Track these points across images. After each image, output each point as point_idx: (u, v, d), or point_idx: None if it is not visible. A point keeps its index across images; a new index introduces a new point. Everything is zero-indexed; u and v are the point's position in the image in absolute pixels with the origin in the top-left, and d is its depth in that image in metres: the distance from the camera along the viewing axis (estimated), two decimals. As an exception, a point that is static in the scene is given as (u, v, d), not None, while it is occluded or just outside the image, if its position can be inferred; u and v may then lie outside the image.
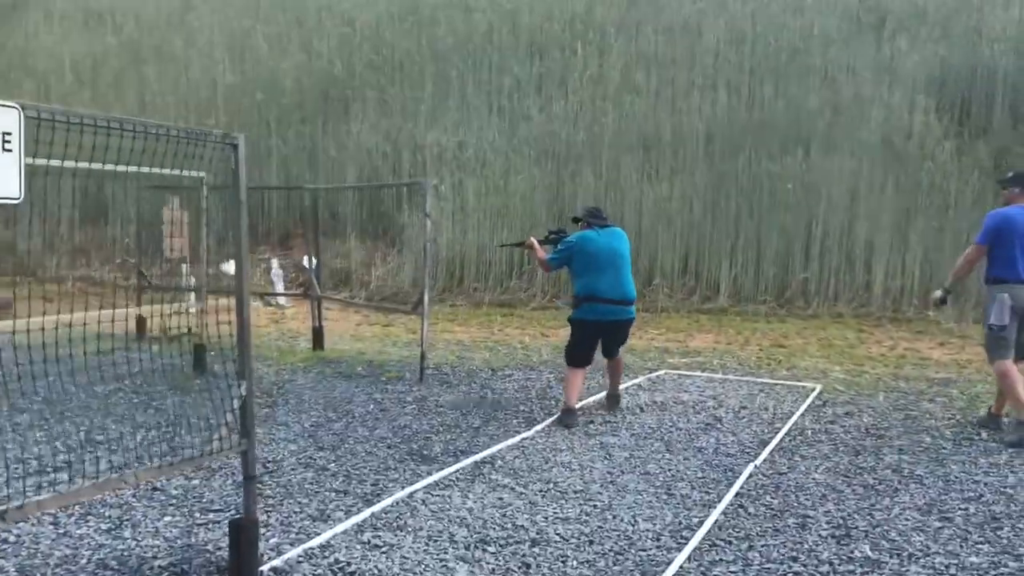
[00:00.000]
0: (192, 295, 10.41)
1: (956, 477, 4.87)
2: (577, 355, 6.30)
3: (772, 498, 4.45)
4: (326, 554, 3.58)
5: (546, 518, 4.08)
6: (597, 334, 6.30)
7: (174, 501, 4.25)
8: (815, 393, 7.16)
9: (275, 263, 13.17)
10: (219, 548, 3.59)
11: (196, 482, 4.55)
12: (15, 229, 16.14)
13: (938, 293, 6.43)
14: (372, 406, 6.49)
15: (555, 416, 6.20)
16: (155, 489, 4.40)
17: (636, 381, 7.59)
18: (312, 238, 9.50)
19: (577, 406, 6.30)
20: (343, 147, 15.57)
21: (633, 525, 4.01)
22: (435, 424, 5.99)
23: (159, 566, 3.43)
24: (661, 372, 8.06)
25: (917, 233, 11.66)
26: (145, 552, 3.59)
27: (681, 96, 14.84)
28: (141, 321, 9.53)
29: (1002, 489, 4.66)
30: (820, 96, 13.93)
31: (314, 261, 9.11)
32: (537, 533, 3.87)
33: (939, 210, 11.95)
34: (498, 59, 16.79)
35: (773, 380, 7.72)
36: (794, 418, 6.27)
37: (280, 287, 12.56)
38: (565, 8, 17.86)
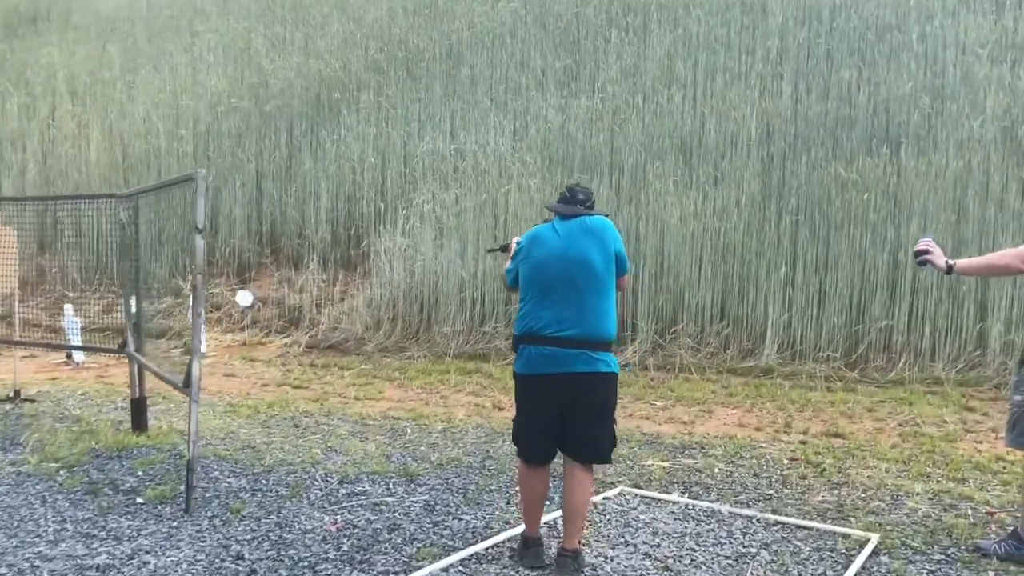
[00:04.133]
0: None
1: None
2: (521, 439, 3.94)
3: None
4: None
5: None
6: (546, 401, 3.81)
7: None
8: (865, 554, 3.93)
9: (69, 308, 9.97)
10: None
11: None
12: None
13: (943, 262, 4.01)
14: None
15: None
16: None
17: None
18: (131, 269, 6.57)
19: (542, 529, 3.98)
20: (322, 158, 12.93)
21: None
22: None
23: None
24: (616, 490, 4.93)
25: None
26: None
27: (732, 87, 11.62)
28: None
29: None
30: (916, 81, 10.50)
31: (132, 304, 6.31)
32: None
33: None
34: (519, 54, 13.94)
35: (798, 518, 4.49)
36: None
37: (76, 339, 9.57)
38: (604, -10, 14.89)
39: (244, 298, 10.41)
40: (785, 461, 5.61)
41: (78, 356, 9.47)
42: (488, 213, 10.76)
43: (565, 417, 3.78)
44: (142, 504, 4.55)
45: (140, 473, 5.10)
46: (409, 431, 6.34)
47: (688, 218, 9.56)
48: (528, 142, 11.78)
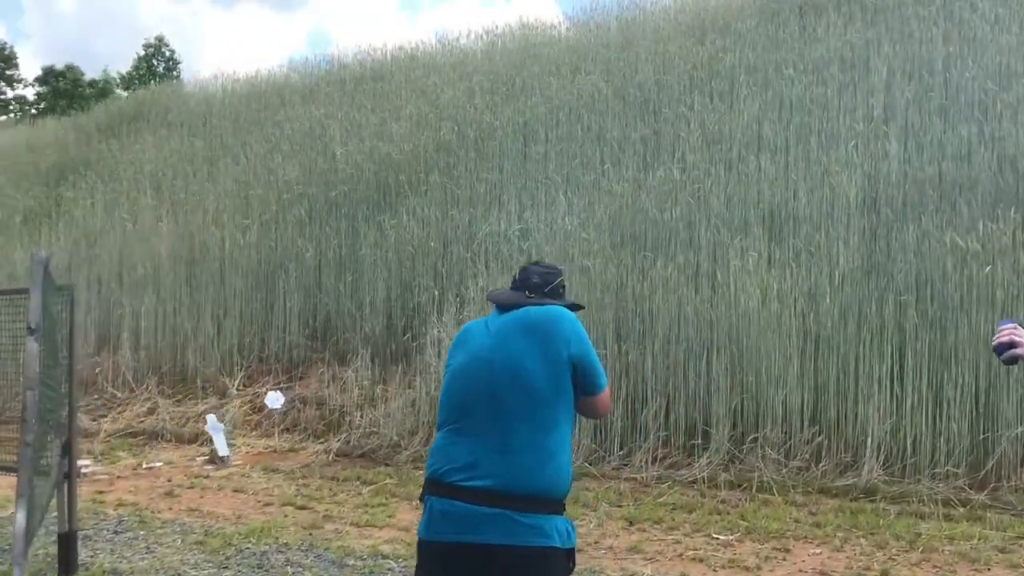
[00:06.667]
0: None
1: None
2: None
3: None
4: None
5: None
6: None
7: None
8: None
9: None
10: None
11: None
12: None
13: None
14: None
15: None
16: None
17: None
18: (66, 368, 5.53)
19: None
20: (381, 243, 12.07)
21: None
22: None
23: None
24: None
25: None
26: None
27: (829, 151, 10.15)
28: None
29: None
30: (1051, 132, 8.80)
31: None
32: None
33: None
34: (596, 127, 12.89)
35: None
36: None
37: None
38: (688, 56, 13.76)
39: (274, 400, 9.49)
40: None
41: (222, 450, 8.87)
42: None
43: None
44: None
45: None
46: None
47: (772, 300, 8.06)
48: (596, 219, 10.56)
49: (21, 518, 3.21)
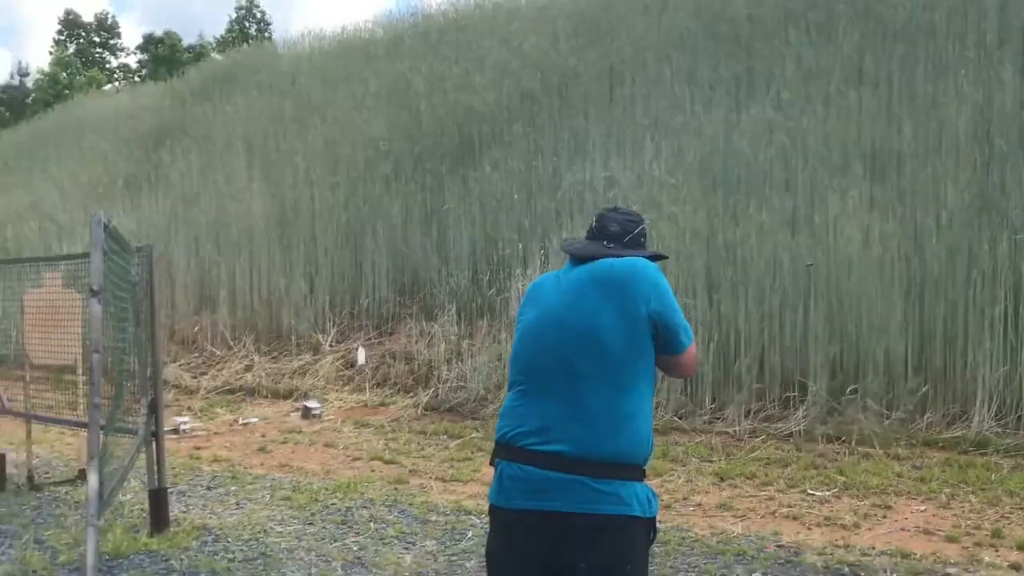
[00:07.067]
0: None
1: None
2: None
3: None
4: None
5: None
6: (519, 556, 2.44)
7: None
8: None
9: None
10: None
11: None
12: None
13: None
14: None
15: None
16: None
17: None
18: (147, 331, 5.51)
19: None
20: (465, 197, 11.95)
21: None
22: None
23: None
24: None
25: None
26: None
27: (937, 82, 9.48)
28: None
29: None
30: None
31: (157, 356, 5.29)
32: None
33: None
34: (686, 66, 12.41)
35: None
36: None
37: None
38: (784, -12, 13.05)
39: (361, 356, 9.53)
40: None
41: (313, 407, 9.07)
42: (635, 248, 9.22)
43: None
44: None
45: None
46: (471, 533, 5.00)
47: (874, 243, 7.59)
48: (686, 164, 10.17)
49: (94, 480, 3.22)
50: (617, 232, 2.65)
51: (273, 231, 13.63)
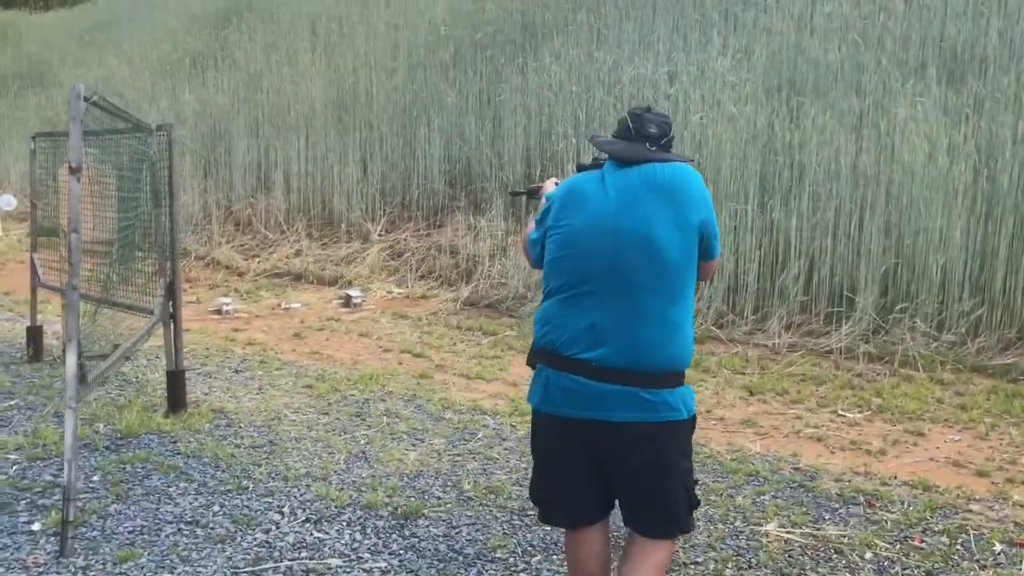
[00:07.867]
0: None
1: None
2: (541, 499, 2.64)
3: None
4: None
5: None
6: (574, 456, 2.51)
7: None
8: None
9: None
10: None
11: None
12: None
13: None
14: None
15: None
16: None
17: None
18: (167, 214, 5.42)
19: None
20: (522, 88, 11.56)
21: None
22: None
23: None
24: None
25: None
26: None
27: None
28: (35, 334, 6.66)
29: None
30: None
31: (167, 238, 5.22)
32: None
33: None
34: (764, -48, 11.59)
35: None
36: None
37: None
38: None
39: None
40: (999, 547, 3.53)
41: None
42: (688, 148, 8.83)
43: (610, 477, 2.46)
44: (32, 533, 3.57)
45: (96, 478, 4.16)
46: (481, 434, 4.93)
47: (941, 154, 7.08)
48: (752, 61, 9.61)
49: (72, 362, 3.19)
50: (656, 135, 2.59)
51: (331, 115, 13.50)
